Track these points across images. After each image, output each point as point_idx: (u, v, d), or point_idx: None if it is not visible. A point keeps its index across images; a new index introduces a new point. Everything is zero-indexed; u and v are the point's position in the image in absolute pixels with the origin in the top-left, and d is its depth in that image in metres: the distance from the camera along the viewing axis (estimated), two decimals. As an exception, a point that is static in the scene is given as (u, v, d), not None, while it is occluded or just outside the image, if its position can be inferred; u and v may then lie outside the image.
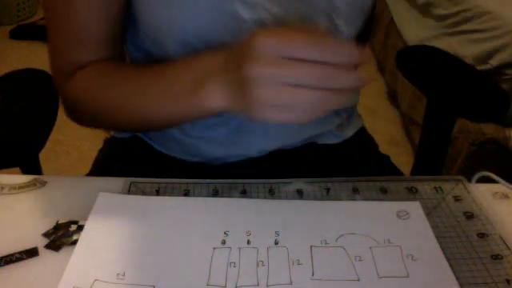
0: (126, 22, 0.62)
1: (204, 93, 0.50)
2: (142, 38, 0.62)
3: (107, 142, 0.79)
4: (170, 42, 0.59)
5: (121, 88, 0.59)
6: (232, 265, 0.48)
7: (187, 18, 0.56)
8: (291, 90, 0.44)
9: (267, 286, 0.46)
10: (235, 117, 0.64)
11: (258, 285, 0.46)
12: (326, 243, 0.51)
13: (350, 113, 0.77)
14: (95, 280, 0.45)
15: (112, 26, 0.61)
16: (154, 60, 0.64)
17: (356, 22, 0.64)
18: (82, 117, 0.64)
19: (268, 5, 0.56)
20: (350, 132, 0.77)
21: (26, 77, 0.74)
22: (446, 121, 0.82)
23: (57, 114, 0.72)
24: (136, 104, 0.58)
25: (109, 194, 0.55)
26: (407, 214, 0.55)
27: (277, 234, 0.52)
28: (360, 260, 0.49)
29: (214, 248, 0.50)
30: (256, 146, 0.67)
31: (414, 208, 0.56)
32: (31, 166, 0.72)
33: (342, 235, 0.52)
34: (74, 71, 0.61)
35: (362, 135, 0.80)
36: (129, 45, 0.67)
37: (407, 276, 0.48)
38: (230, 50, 0.49)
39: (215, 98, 0.50)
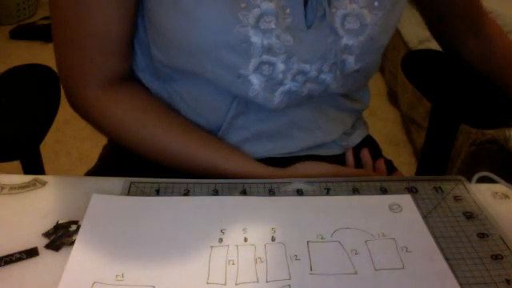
0: (139, 31, 0.63)
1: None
2: (152, 49, 0.63)
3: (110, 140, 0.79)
4: (177, 54, 0.60)
5: (173, 144, 0.63)
6: (230, 262, 0.48)
7: (197, 33, 0.56)
8: None
9: (267, 281, 0.47)
10: (243, 127, 0.66)
11: (257, 281, 0.47)
12: (322, 238, 0.51)
13: (354, 120, 0.77)
14: (94, 282, 0.45)
15: (130, 27, 0.61)
16: (160, 75, 0.65)
17: (367, 58, 0.63)
18: (101, 130, 0.66)
19: (281, 33, 0.57)
20: (354, 141, 0.77)
21: (28, 72, 0.75)
22: (449, 127, 0.82)
23: (58, 106, 0.72)
24: (178, 159, 0.63)
25: (102, 195, 0.55)
26: (399, 207, 0.56)
27: (273, 230, 0.52)
28: (356, 254, 0.50)
29: (212, 246, 0.50)
30: (261, 152, 0.68)
31: (406, 201, 0.57)
32: (32, 161, 0.72)
33: (336, 230, 0.52)
34: (107, 81, 0.62)
35: (367, 144, 0.79)
36: (138, 59, 0.67)
37: (403, 268, 0.49)
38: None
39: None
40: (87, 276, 0.46)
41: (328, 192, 0.58)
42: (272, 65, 0.58)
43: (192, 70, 0.60)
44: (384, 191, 0.59)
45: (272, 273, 0.47)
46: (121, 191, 0.57)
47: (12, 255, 0.48)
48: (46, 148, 0.73)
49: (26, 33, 2.66)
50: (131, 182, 0.58)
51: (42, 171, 0.74)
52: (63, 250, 0.49)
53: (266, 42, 0.56)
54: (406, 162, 1.80)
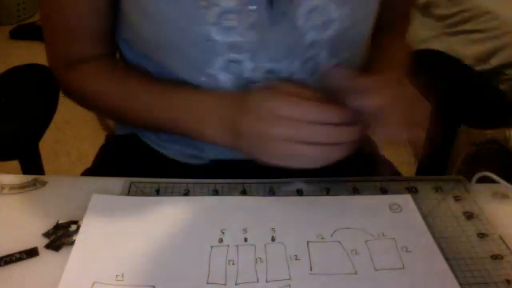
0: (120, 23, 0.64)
1: (207, 134, 0.58)
2: (133, 46, 0.64)
3: (108, 139, 0.79)
4: (154, 53, 0.61)
5: (135, 98, 0.62)
6: (231, 262, 0.48)
7: (162, 33, 0.57)
8: (289, 145, 0.51)
9: (267, 281, 0.47)
10: None
11: (257, 281, 0.47)
12: (322, 238, 0.51)
13: None
14: (94, 282, 0.45)
15: (102, 23, 0.63)
16: (148, 61, 0.65)
17: (343, 52, 0.62)
18: (83, 103, 0.68)
19: (244, 30, 0.56)
20: None
21: (28, 72, 0.75)
22: (449, 127, 0.82)
23: (56, 105, 0.72)
24: (145, 116, 0.63)
25: (103, 195, 0.55)
26: (399, 207, 0.56)
27: (273, 230, 0.52)
28: (356, 254, 0.50)
29: (212, 246, 0.50)
30: None
31: (406, 201, 0.57)
32: (32, 161, 0.73)
33: (337, 230, 0.52)
34: (72, 62, 0.65)
35: (366, 143, 0.79)
36: (122, 44, 0.68)
37: (403, 267, 0.49)
38: (231, 100, 0.57)
39: (218, 139, 0.57)
40: (87, 276, 0.46)
41: (328, 192, 0.58)
42: (239, 63, 0.58)
43: (171, 65, 0.61)
44: (384, 191, 0.59)
45: (272, 273, 0.47)
46: (121, 191, 0.57)
47: (12, 255, 0.48)
48: (46, 148, 0.73)
49: (26, 33, 2.66)
50: (131, 182, 0.58)
51: (41, 171, 0.74)
52: (63, 250, 0.49)
53: (229, 40, 0.56)
54: (405, 162, 1.80)
